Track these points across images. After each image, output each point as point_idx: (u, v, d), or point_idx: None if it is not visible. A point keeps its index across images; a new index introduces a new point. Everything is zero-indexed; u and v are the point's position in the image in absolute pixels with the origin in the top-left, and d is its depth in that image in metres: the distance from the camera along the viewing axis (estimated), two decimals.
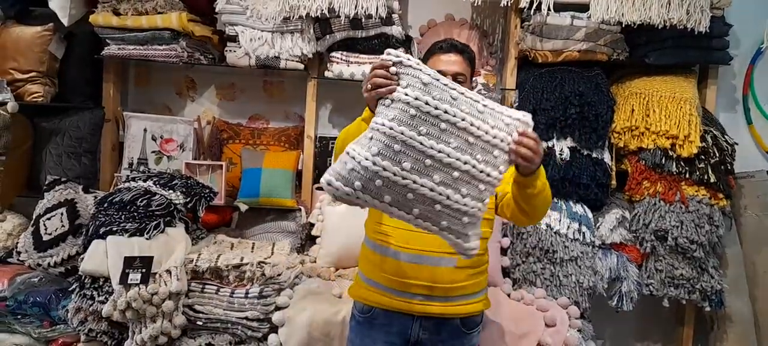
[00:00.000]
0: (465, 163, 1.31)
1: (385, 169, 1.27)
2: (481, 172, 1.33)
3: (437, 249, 1.58)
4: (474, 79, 2.58)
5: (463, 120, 1.31)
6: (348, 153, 1.31)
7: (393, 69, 1.34)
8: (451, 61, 1.67)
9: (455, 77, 1.61)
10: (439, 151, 1.29)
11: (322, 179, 1.33)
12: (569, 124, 2.48)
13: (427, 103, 1.29)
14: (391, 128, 1.28)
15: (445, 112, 1.30)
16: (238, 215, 2.85)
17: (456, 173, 1.31)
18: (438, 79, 1.34)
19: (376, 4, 2.48)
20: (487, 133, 1.33)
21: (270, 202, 2.67)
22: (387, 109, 1.32)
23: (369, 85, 1.35)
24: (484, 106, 1.36)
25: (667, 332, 2.92)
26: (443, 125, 1.30)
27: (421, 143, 1.29)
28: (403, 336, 1.63)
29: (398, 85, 1.32)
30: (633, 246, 2.58)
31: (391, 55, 1.35)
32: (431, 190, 1.30)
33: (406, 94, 1.30)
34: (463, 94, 1.34)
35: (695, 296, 2.53)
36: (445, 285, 1.59)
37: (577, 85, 2.50)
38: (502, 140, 1.35)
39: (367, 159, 1.27)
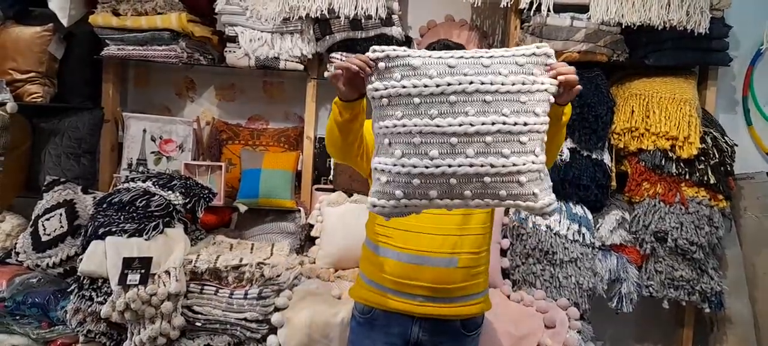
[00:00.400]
0: (493, 123, 1.23)
1: (415, 166, 1.23)
2: (515, 124, 1.24)
3: (438, 250, 1.58)
4: None
5: (470, 84, 1.24)
6: (376, 169, 1.28)
7: (382, 65, 1.30)
8: None
9: None
10: (460, 125, 1.23)
11: (367, 206, 1.30)
12: (569, 125, 2.47)
13: (425, 86, 1.25)
14: (403, 125, 1.25)
15: (448, 84, 1.24)
16: (238, 216, 2.84)
17: (489, 138, 1.23)
18: (429, 56, 1.28)
19: (376, 5, 2.48)
20: (503, 84, 1.25)
21: (269, 203, 2.67)
22: (390, 108, 1.28)
23: (337, 70, 1.37)
24: (490, 57, 1.28)
25: (666, 334, 2.92)
26: (452, 98, 1.24)
27: (438, 126, 1.23)
28: (403, 337, 1.63)
29: (390, 78, 1.29)
30: (633, 247, 2.58)
31: (377, 51, 1.31)
32: (471, 166, 1.23)
33: (404, 86, 1.26)
34: (461, 57, 1.28)
35: (695, 297, 2.52)
36: (446, 286, 1.59)
37: None
38: (524, 83, 1.27)
39: (394, 165, 1.24)
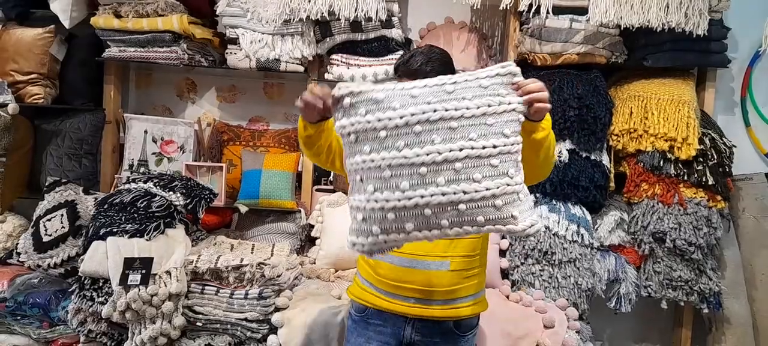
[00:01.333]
0: (461, 149, 1.22)
1: (388, 201, 1.23)
2: (484, 147, 1.23)
3: (430, 253, 1.60)
4: None
5: (434, 112, 1.23)
6: (352, 207, 1.28)
7: (347, 101, 1.30)
8: None
9: None
10: (428, 154, 1.22)
11: (347, 244, 1.31)
12: (568, 126, 2.49)
13: (390, 119, 1.24)
14: (372, 160, 1.25)
15: (412, 114, 1.23)
16: (238, 217, 2.85)
17: (458, 165, 1.22)
18: (393, 88, 1.28)
19: (376, 7, 2.49)
20: (467, 109, 1.24)
21: (270, 203, 2.68)
22: (359, 144, 1.28)
23: (302, 103, 1.44)
24: (453, 83, 1.27)
25: (665, 334, 2.93)
26: (417, 128, 1.23)
27: (406, 157, 1.23)
28: (396, 337, 1.64)
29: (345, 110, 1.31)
30: (631, 248, 2.59)
31: (342, 89, 1.31)
32: (443, 194, 1.22)
33: (368, 121, 1.26)
34: (425, 86, 1.27)
35: (693, 297, 2.53)
36: (439, 289, 1.60)
37: (575, 87, 2.51)
38: (490, 106, 1.25)
39: (368, 200, 1.24)
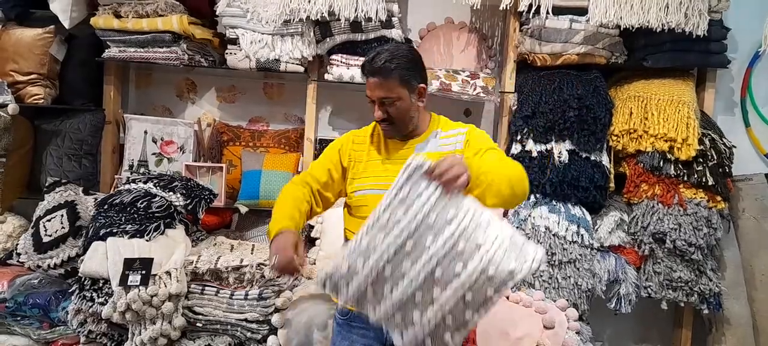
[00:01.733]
0: (424, 266, 1.28)
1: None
2: (444, 245, 1.27)
3: None
4: (473, 82, 2.60)
5: (389, 249, 1.30)
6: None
7: (328, 288, 1.38)
8: (372, 86, 1.59)
9: (381, 102, 1.58)
10: (411, 282, 1.28)
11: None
12: (568, 127, 2.49)
13: (364, 279, 1.32)
14: (374, 309, 1.34)
15: (377, 263, 1.30)
16: (238, 217, 2.85)
17: (437, 272, 1.27)
18: (353, 250, 1.34)
19: (376, 8, 2.49)
20: (407, 225, 1.30)
21: (270, 204, 2.67)
22: (358, 305, 1.37)
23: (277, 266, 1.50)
24: (387, 217, 1.33)
25: (665, 335, 2.93)
26: (387, 270, 1.30)
27: (400, 299, 1.29)
28: (379, 341, 1.64)
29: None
30: (631, 248, 2.59)
31: (320, 283, 1.39)
32: (448, 300, 1.27)
33: (354, 291, 1.33)
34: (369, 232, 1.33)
35: (693, 298, 2.53)
36: None
37: (575, 88, 2.51)
38: (421, 210, 1.30)
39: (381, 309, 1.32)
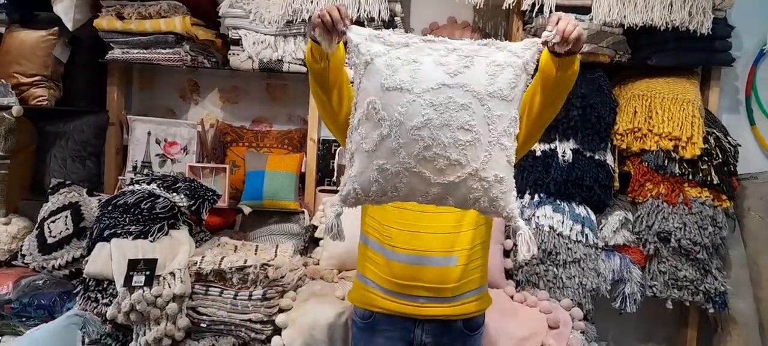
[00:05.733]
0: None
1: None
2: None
3: (439, 249, 1.58)
4: None
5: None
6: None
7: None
8: None
9: None
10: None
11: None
12: (572, 126, 2.48)
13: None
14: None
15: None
16: (242, 218, 2.85)
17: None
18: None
19: (379, 7, 2.50)
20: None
21: (273, 204, 2.68)
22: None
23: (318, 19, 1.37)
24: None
25: (670, 334, 2.92)
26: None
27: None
28: (406, 341, 1.62)
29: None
30: (636, 248, 2.58)
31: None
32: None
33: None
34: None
35: (699, 297, 2.52)
36: (448, 285, 1.59)
37: (579, 87, 2.50)
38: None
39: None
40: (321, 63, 1.46)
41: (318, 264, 2.58)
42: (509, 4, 2.53)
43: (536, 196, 2.53)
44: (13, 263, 2.58)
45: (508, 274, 2.54)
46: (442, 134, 1.27)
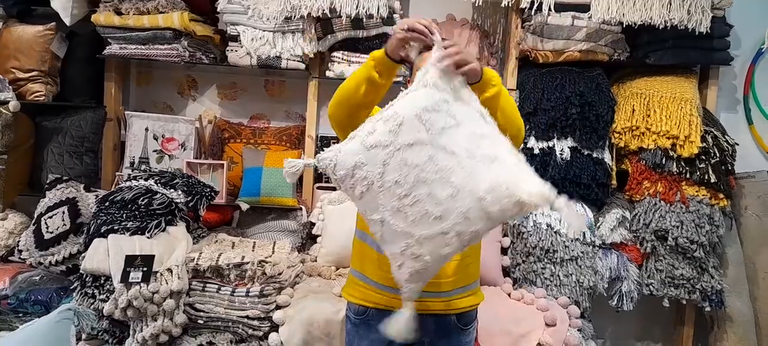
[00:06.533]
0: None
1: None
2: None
3: None
4: None
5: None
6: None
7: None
8: None
9: None
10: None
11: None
12: (570, 124, 2.48)
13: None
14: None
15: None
16: (239, 214, 2.85)
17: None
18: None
19: (378, 4, 2.49)
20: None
21: (271, 201, 2.67)
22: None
23: (406, 30, 1.41)
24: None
25: (667, 332, 2.93)
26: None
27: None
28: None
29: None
30: (633, 246, 2.59)
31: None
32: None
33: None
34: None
35: (695, 296, 2.53)
36: (445, 280, 1.59)
37: (577, 85, 2.50)
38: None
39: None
40: (385, 80, 1.53)
41: (315, 261, 2.58)
42: (508, 2, 2.53)
43: None
44: (10, 258, 2.58)
45: (506, 271, 2.55)
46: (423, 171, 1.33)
